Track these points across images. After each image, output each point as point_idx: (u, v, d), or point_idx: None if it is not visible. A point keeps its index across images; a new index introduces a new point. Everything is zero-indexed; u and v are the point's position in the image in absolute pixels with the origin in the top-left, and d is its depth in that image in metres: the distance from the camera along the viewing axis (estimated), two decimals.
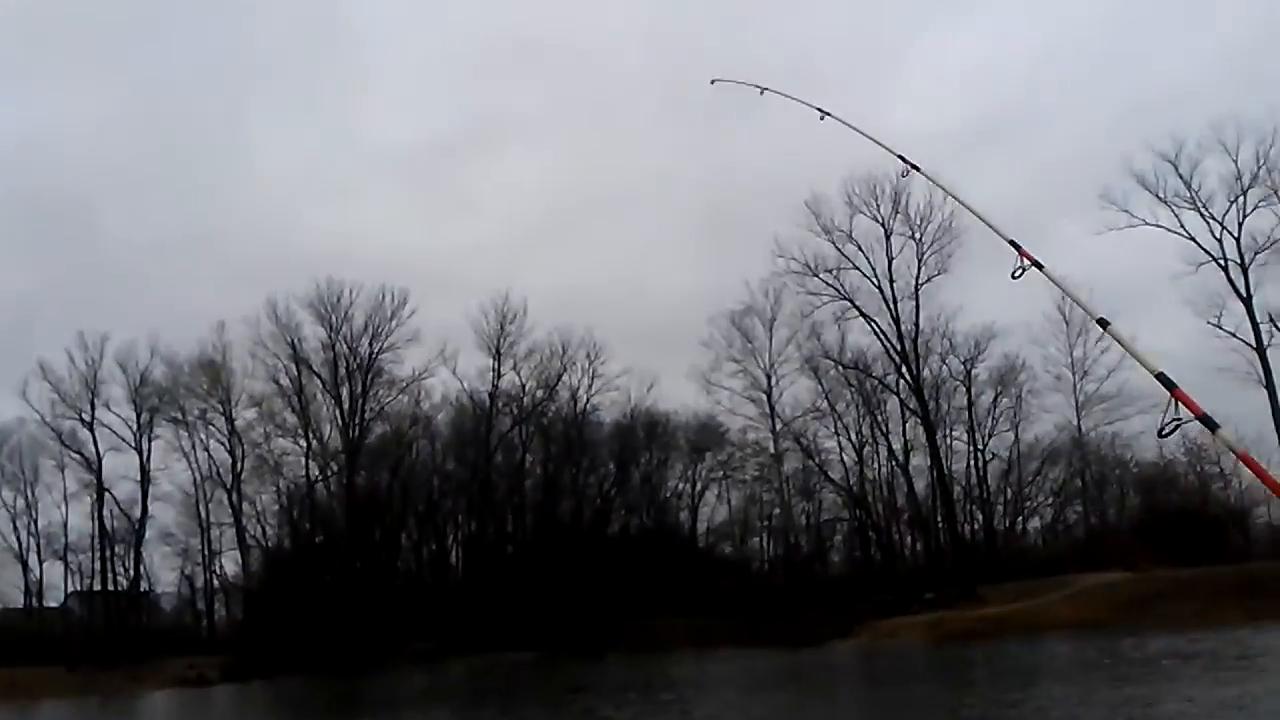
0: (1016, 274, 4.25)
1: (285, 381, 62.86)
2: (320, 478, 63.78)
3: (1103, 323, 3.27)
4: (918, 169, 5.75)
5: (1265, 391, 47.10)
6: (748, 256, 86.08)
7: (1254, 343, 47.52)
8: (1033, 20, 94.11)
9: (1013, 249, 4.31)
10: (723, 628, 50.62)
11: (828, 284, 57.08)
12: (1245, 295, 47.85)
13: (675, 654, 44.21)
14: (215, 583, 66.58)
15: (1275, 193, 47.24)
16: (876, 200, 57.02)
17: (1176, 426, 2.72)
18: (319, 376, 63.30)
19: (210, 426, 63.34)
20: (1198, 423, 2.78)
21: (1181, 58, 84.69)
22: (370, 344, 62.88)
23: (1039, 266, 3.96)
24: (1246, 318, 47.81)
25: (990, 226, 4.53)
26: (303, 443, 63.07)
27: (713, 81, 8.34)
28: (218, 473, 63.25)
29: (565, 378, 65.12)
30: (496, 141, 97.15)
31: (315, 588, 57.13)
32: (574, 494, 64.81)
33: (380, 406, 64.35)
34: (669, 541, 64.48)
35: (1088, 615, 43.08)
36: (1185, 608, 41.10)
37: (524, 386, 65.15)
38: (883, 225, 57.19)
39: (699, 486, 67.42)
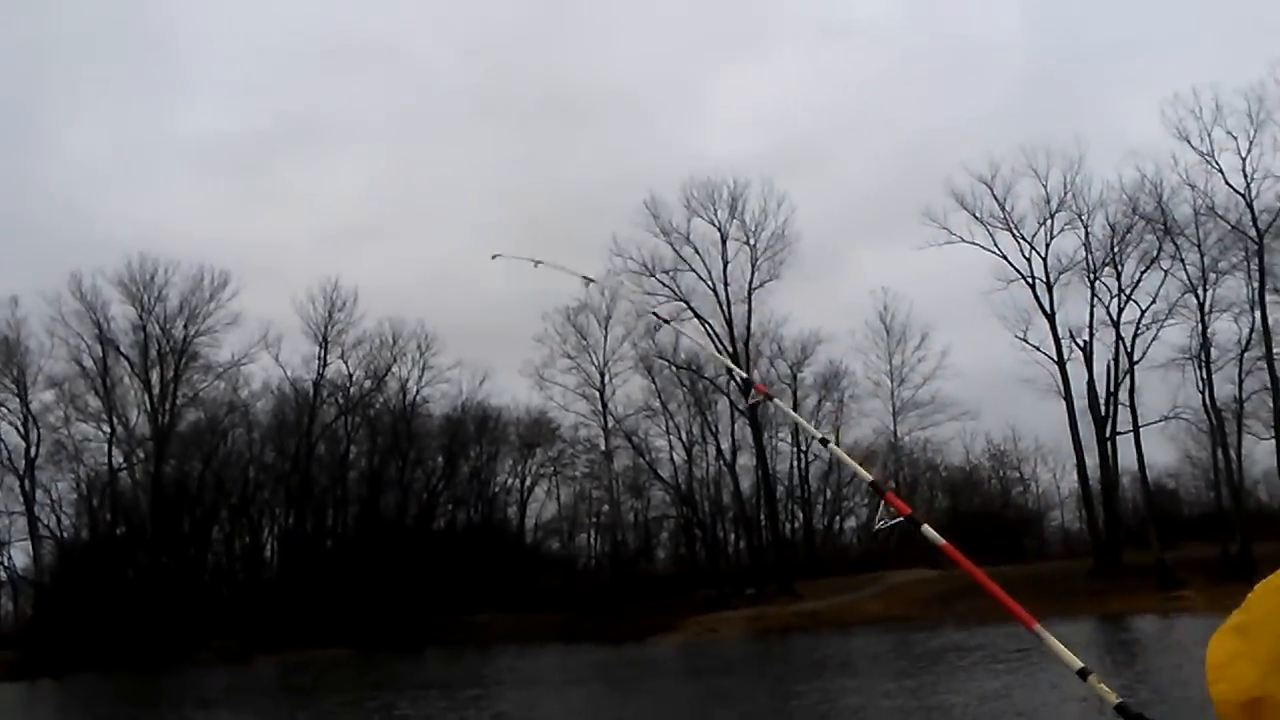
0: (751, 403, 4.46)
1: (89, 363, 58.84)
2: (124, 466, 60.02)
3: (824, 441, 3.48)
4: (667, 323, 5.66)
5: (1064, 403, 50.18)
6: (578, 257, 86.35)
7: (1055, 357, 50.50)
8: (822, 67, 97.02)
9: (744, 385, 4.46)
10: (548, 624, 50.38)
11: (664, 284, 57.69)
12: (1049, 312, 50.84)
13: (497, 650, 43.69)
14: (3, 575, 61.76)
15: (1079, 217, 50.38)
16: (714, 204, 58.08)
17: (890, 526, 2.86)
18: (126, 358, 59.52)
19: (2, 408, 58.71)
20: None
21: (994, 87, 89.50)
22: (185, 326, 59.55)
23: (769, 399, 4.16)
24: (1050, 333, 50.77)
25: (728, 365, 4.72)
26: (106, 428, 59.17)
27: (494, 257, 8.55)
28: (9, 458, 58.61)
29: (395, 369, 63.58)
30: (318, 139, 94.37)
31: (114, 581, 53.76)
32: (400, 487, 63.15)
33: (194, 392, 61.08)
34: (496, 537, 63.77)
35: (896, 611, 45.02)
36: (982, 604, 42.78)
37: (351, 376, 63.24)
38: (719, 229, 58.26)
39: (528, 482, 67.07)
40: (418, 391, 63.75)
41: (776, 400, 4.37)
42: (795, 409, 61.81)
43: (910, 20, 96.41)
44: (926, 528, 2.71)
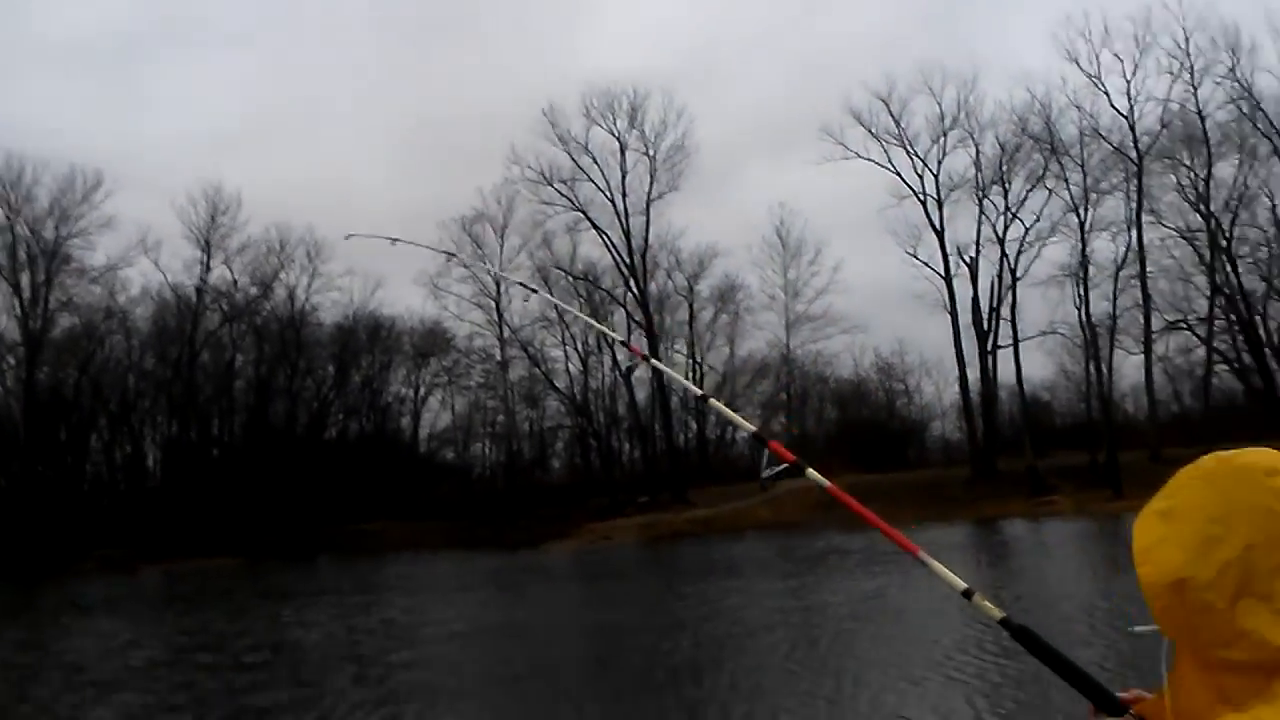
0: (630, 367, 4.31)
1: None
2: None
3: (703, 397, 3.40)
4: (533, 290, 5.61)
5: (949, 318, 51.71)
6: (473, 165, 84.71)
7: (943, 273, 51.83)
8: None
9: (623, 348, 4.39)
10: (442, 532, 50.48)
11: (561, 194, 56.98)
12: (939, 229, 52.01)
13: (390, 558, 43.64)
14: None
15: (971, 136, 51.33)
16: (613, 114, 57.27)
17: (776, 475, 2.83)
18: None
19: None
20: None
21: (893, 5, 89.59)
22: (57, 228, 56.31)
23: (646, 359, 4.12)
24: (939, 250, 52.00)
25: (601, 331, 4.66)
26: None
27: (347, 237, 8.38)
28: None
29: (283, 275, 61.56)
30: (190, 41, 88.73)
31: None
32: (289, 396, 61.74)
33: (68, 297, 58.15)
34: (389, 446, 63.17)
35: (785, 516, 46.36)
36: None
37: (236, 283, 61.05)
38: (618, 139, 57.57)
39: (422, 392, 66.33)
40: (307, 299, 62.11)
41: (654, 361, 4.38)
42: (691, 322, 62.51)
43: None
44: (811, 472, 2.74)
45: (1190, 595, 1.26)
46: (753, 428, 3.19)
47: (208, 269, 59.76)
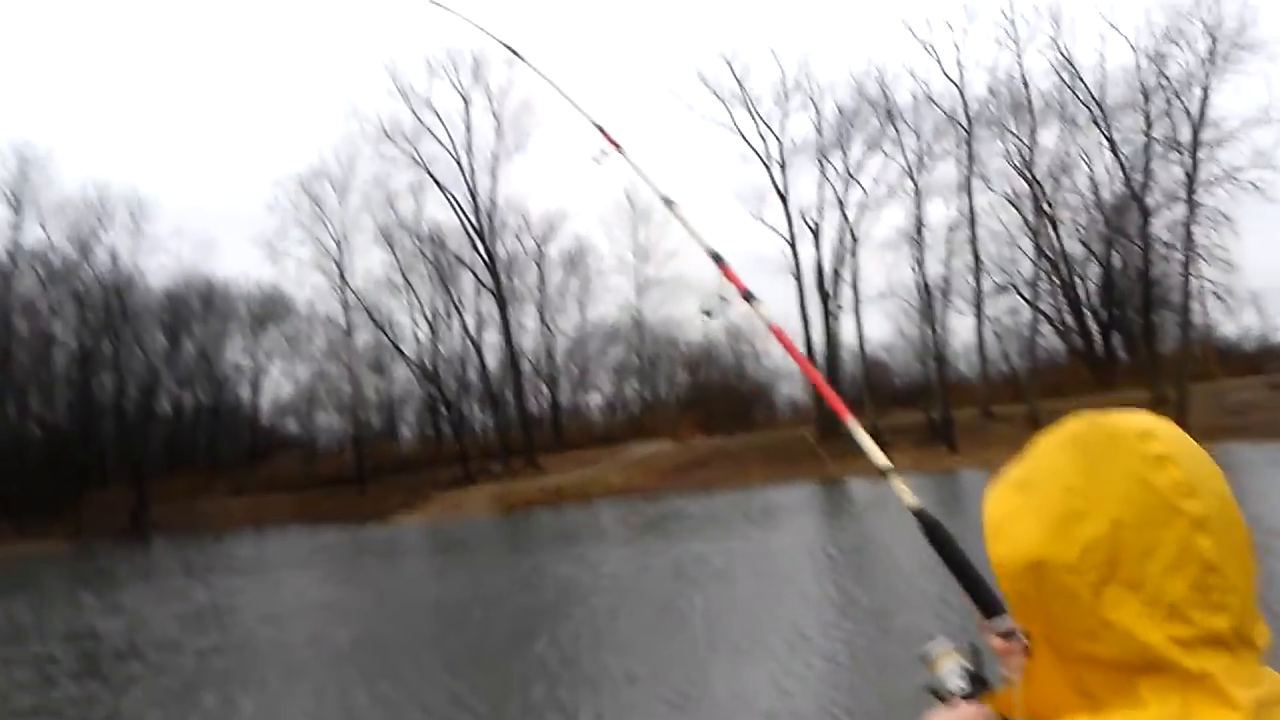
0: (598, 159, 3.86)
1: None
2: None
3: (668, 201, 3.00)
4: (516, 53, 4.99)
5: (794, 280, 52.63)
6: (302, 119, 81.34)
7: (788, 236, 52.66)
8: None
9: (597, 131, 3.92)
10: (286, 507, 48.87)
11: (404, 151, 55.17)
12: (782, 192, 52.70)
13: (230, 536, 41.86)
14: None
15: (811, 99, 52.15)
16: (456, 68, 55.67)
17: (723, 304, 2.75)
18: None
19: None
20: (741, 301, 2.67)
21: None
22: None
23: (619, 149, 3.65)
24: (783, 213, 52.77)
25: (576, 107, 4.13)
26: None
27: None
28: None
29: (103, 235, 57.68)
30: None
31: None
32: (115, 369, 58.23)
33: None
34: (227, 419, 60.55)
35: (636, 482, 46.58)
36: (719, 472, 45.77)
37: (52, 244, 56.99)
38: (462, 96, 56.05)
39: (262, 361, 63.65)
40: (133, 263, 58.50)
41: (626, 154, 3.92)
42: (541, 286, 61.84)
43: None
44: (759, 303, 2.52)
45: (1049, 578, 1.05)
46: (712, 248, 2.96)
47: (19, 230, 55.65)
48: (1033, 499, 1.09)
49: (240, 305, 61.24)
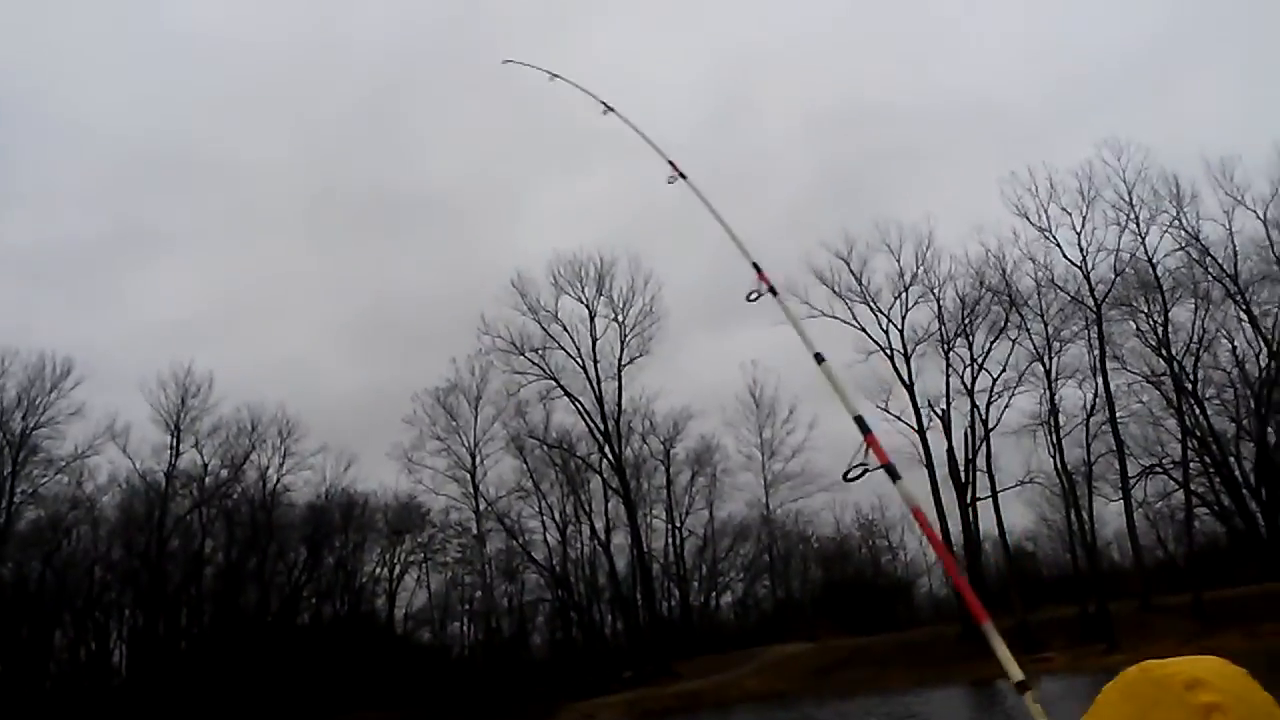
0: (752, 297, 4.25)
1: None
2: None
3: (819, 358, 3.26)
4: (684, 177, 5.73)
5: (926, 471, 51.56)
6: (443, 339, 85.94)
7: (916, 426, 52.01)
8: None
9: (753, 270, 4.32)
10: (423, 718, 48.51)
11: (533, 363, 57.29)
12: (908, 382, 52.45)
13: None
14: None
15: (931, 291, 52.55)
16: (581, 282, 58.30)
17: (864, 472, 2.73)
18: None
19: None
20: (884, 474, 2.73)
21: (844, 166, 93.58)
22: (24, 418, 55.76)
23: (774, 292, 4.00)
24: (910, 403, 52.33)
25: (737, 243, 4.59)
26: None
27: (504, 62, 8.71)
28: None
29: (254, 456, 60.86)
30: (149, 246, 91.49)
31: None
32: (260, 582, 60.00)
33: (34, 488, 56.99)
34: (365, 629, 61.17)
35: (774, 686, 44.89)
36: (859, 674, 43.80)
37: (206, 466, 60.20)
38: (587, 306, 58.41)
39: (398, 570, 64.77)
40: (279, 480, 61.24)
41: (781, 299, 4.08)
42: (668, 486, 62.04)
43: None
44: (902, 484, 2.56)
45: None
46: (857, 411, 3.00)
47: (177, 454, 59.08)
48: None
49: (378, 516, 63.10)
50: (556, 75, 7.97)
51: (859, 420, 2.92)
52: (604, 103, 7.03)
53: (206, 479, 60.17)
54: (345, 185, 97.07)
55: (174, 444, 58.80)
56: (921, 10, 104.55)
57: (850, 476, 2.86)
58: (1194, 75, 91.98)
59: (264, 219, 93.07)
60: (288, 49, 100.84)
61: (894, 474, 2.61)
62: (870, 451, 2.74)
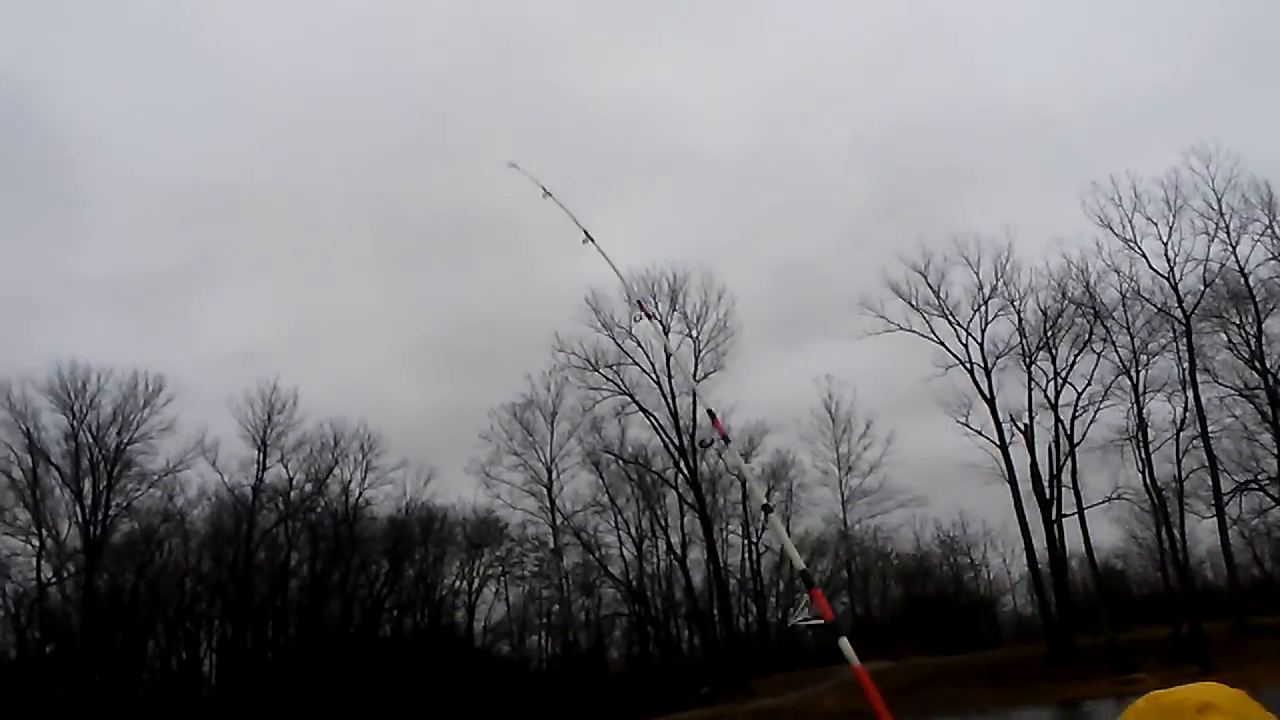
0: (707, 443, 4.46)
1: (18, 474, 56.80)
2: (54, 580, 57.61)
3: (766, 508, 3.47)
4: (650, 317, 5.94)
5: (1009, 487, 50.52)
6: (517, 357, 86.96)
7: (997, 441, 51.02)
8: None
9: (712, 426, 4.52)
10: None
11: (608, 379, 57.66)
12: (989, 396, 51.49)
13: None
14: None
15: (1011, 304, 51.57)
16: (655, 298, 58.45)
17: (808, 627, 2.81)
18: (57, 468, 57.60)
19: None
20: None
21: (928, 175, 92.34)
22: (119, 434, 57.89)
23: (726, 440, 4.17)
24: (991, 417, 51.35)
25: (693, 389, 4.80)
26: (35, 542, 56.88)
27: (510, 165, 9.12)
28: None
29: (337, 471, 62.27)
30: (218, 277, 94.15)
31: (45, 703, 51.10)
32: (343, 594, 61.27)
33: (128, 501, 59.03)
34: (444, 642, 62.00)
35: (853, 705, 44.12)
36: (941, 694, 42.99)
37: (291, 480, 61.74)
38: (661, 323, 58.52)
39: (476, 584, 65.53)
40: (360, 494, 62.56)
41: (725, 450, 4.29)
42: (744, 501, 61.70)
43: None
44: (844, 641, 2.64)
45: None
46: (801, 565, 3.11)
47: (264, 468, 60.71)
48: None
49: (457, 530, 64.01)
50: (549, 194, 8.15)
51: (804, 575, 3.11)
52: (585, 231, 7.20)
53: (291, 493, 61.78)
54: (407, 212, 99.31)
55: (260, 459, 60.52)
56: (980, 25, 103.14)
57: (797, 628, 3.04)
58: None
59: (330, 246, 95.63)
60: (349, 83, 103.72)
61: (836, 631, 2.77)
62: (814, 607, 2.91)
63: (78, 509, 57.37)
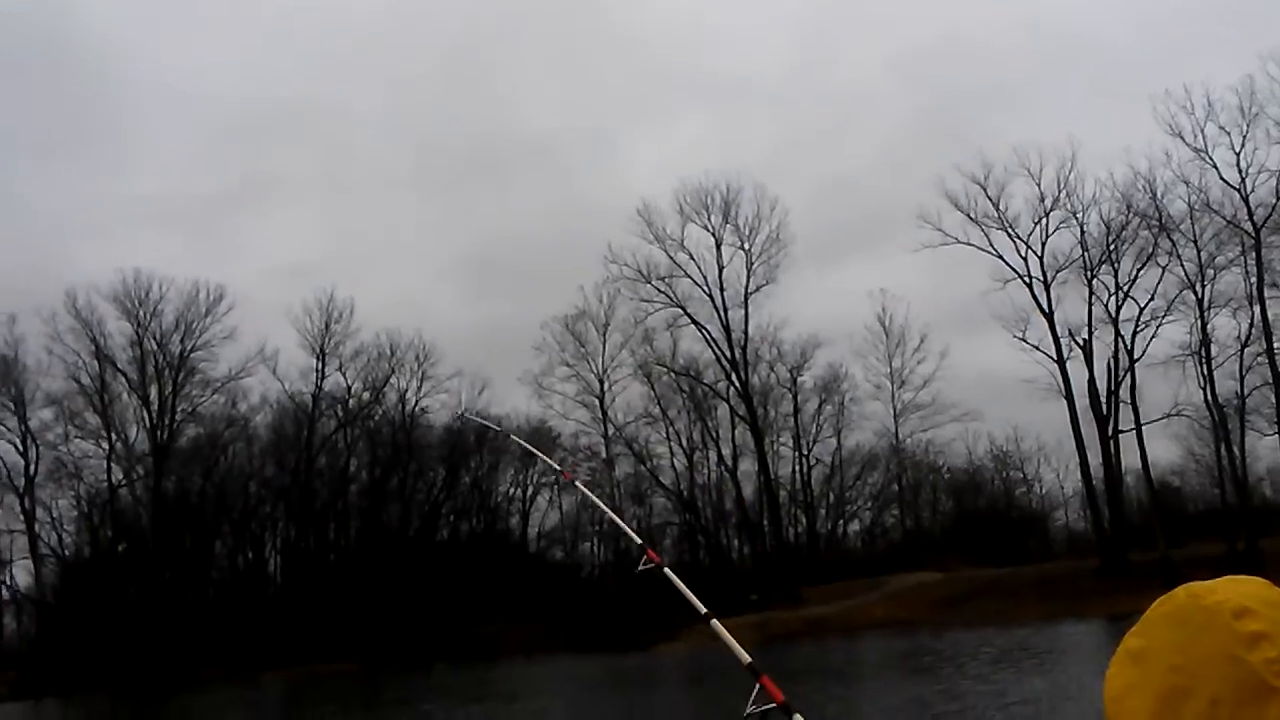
0: (641, 568, 4.61)
1: (86, 380, 58.55)
2: (124, 482, 59.75)
3: (708, 616, 3.62)
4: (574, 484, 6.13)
5: (1065, 402, 50.03)
6: (534, 288, 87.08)
7: (1055, 356, 50.34)
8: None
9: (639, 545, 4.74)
10: (553, 634, 50.29)
11: (660, 291, 57.54)
12: (1048, 311, 50.70)
13: (504, 662, 43.66)
14: (5, 594, 61.48)
15: (1074, 215, 50.32)
16: (708, 210, 57.91)
17: (764, 715, 2.91)
18: (124, 374, 59.28)
19: (1, 426, 58.45)
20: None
21: (988, 85, 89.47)
22: (182, 341, 59.32)
23: (663, 569, 4.36)
24: (1049, 332, 50.62)
25: (622, 526, 5.06)
26: (105, 445, 58.89)
27: (462, 414, 9.12)
28: (9, 476, 58.39)
29: (394, 380, 63.42)
30: (267, 196, 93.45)
31: (118, 599, 53.47)
32: (401, 499, 62.91)
33: (193, 407, 60.81)
34: (500, 547, 63.57)
35: (901, 614, 44.90)
36: (990, 606, 43.35)
37: (349, 388, 63.01)
38: (713, 234, 58.10)
39: (530, 491, 66.76)
40: (417, 402, 63.72)
41: (667, 570, 4.60)
42: (795, 414, 61.78)
43: None
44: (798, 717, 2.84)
45: None
46: (747, 659, 3.26)
47: (323, 376, 61.96)
48: (1143, 675, 1.16)
49: (511, 440, 64.95)
50: (511, 435, 8.23)
51: (750, 667, 3.24)
52: (563, 474, 7.16)
53: (350, 401, 63.10)
54: (447, 132, 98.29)
55: (319, 367, 61.80)
56: None
57: (749, 717, 3.15)
58: None
59: (374, 166, 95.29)
60: (384, 6, 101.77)
61: (789, 711, 2.88)
62: (764, 691, 2.93)
63: (145, 414, 59.23)
